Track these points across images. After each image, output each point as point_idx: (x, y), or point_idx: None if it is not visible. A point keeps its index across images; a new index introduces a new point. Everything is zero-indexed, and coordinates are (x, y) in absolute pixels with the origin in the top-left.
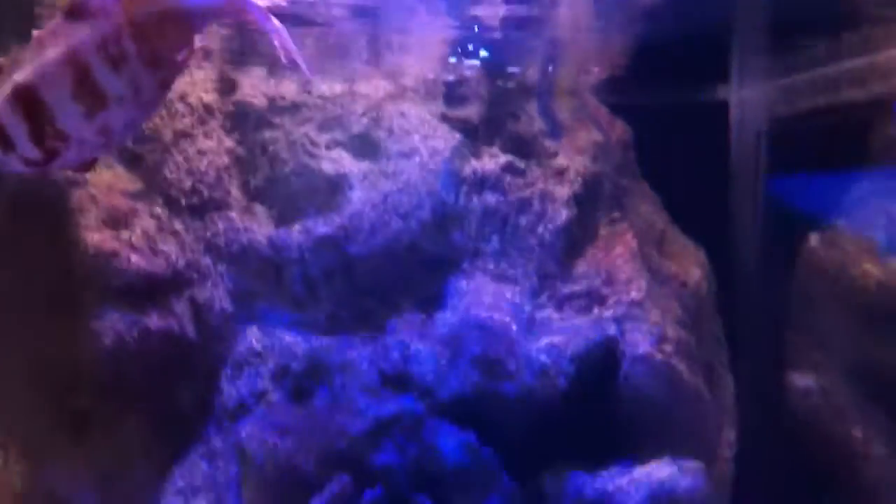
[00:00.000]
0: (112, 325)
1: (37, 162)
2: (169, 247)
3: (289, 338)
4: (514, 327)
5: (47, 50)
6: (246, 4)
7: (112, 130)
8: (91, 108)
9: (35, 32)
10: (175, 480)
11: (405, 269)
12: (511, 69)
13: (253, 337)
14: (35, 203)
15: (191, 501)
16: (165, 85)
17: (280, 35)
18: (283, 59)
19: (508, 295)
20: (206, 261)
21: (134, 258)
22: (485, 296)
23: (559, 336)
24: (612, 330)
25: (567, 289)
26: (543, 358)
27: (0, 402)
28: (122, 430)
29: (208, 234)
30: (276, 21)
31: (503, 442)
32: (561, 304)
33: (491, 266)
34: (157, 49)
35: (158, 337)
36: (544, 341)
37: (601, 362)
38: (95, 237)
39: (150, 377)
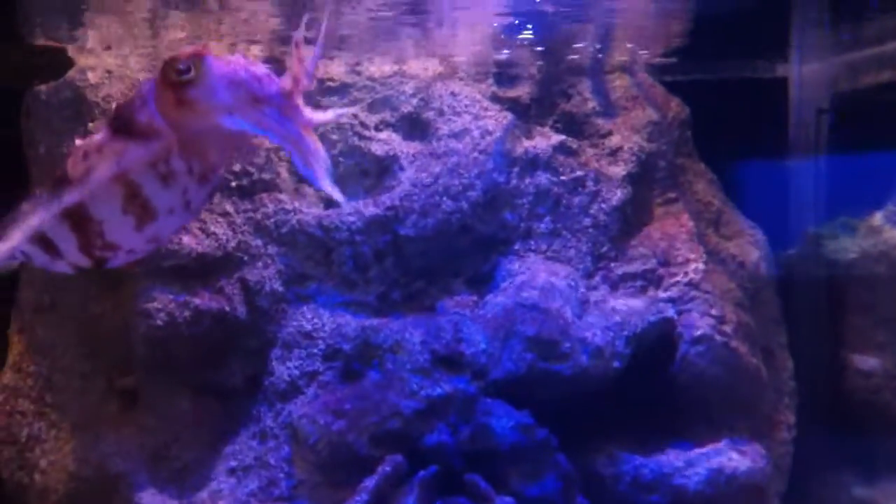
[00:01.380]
0: (163, 305)
1: (84, 268)
2: (219, 228)
3: (339, 318)
4: (568, 308)
5: (96, 168)
6: (289, 141)
7: (161, 238)
8: (141, 221)
9: (78, 143)
10: (227, 460)
11: (456, 249)
12: (563, 47)
13: (303, 318)
14: None
15: (242, 481)
16: (212, 193)
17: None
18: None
19: (562, 275)
20: (257, 242)
21: (185, 239)
22: (538, 276)
23: (614, 317)
24: (669, 311)
25: (622, 269)
26: (598, 339)
27: (53, 380)
28: (172, 408)
29: (258, 215)
30: (317, 159)
31: (558, 423)
32: (616, 284)
33: (544, 246)
34: (205, 165)
35: (209, 317)
36: (599, 322)
37: (657, 343)
38: None
39: (201, 357)
